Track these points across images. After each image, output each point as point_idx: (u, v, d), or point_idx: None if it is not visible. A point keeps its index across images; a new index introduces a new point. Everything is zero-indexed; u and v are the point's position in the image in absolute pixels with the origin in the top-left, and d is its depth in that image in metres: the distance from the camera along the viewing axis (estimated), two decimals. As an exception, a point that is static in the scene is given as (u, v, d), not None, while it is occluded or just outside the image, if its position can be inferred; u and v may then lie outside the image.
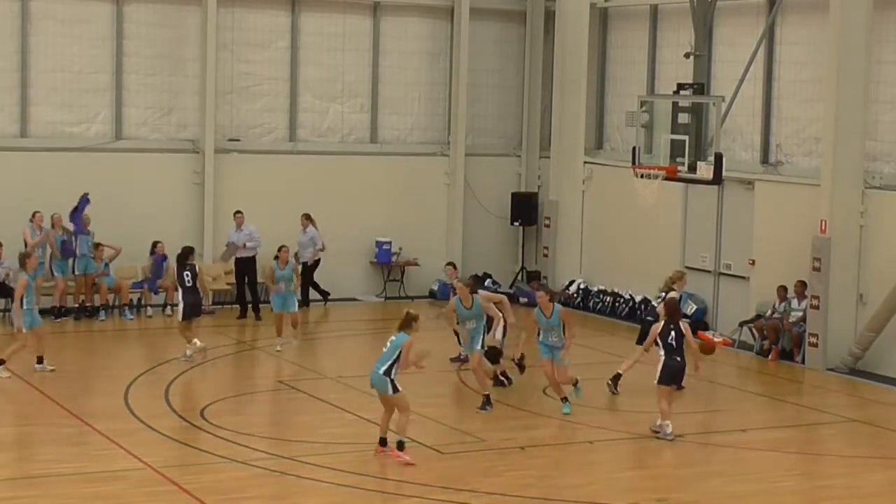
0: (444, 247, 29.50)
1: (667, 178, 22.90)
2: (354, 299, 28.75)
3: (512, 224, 30.12)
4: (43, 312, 24.84)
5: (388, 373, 16.10)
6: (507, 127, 30.57)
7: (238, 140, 27.95)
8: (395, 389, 16.14)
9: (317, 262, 27.34)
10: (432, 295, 29.41)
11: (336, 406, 19.20)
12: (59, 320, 25.20)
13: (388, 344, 16.25)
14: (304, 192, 27.99)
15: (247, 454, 16.31)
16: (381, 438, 16.49)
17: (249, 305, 26.40)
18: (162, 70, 27.20)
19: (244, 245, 26.44)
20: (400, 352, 16.10)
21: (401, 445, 16.22)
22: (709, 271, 26.12)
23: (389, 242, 28.78)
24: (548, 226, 29.68)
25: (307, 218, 27.17)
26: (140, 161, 26.93)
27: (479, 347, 19.35)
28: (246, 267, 26.47)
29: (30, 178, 25.80)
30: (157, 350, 23.29)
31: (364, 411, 18.65)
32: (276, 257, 23.24)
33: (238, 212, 26.70)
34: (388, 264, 28.95)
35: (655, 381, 17.90)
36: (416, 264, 29.22)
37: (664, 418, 17.69)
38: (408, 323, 16.29)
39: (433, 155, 29.68)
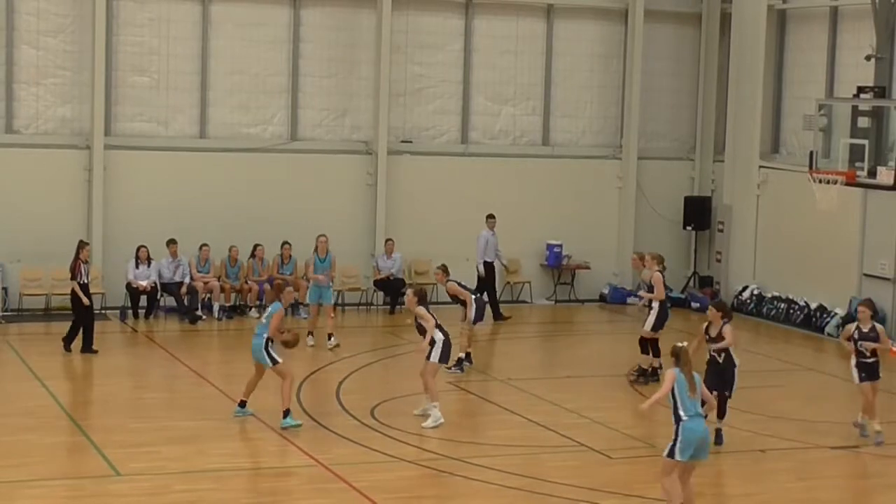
0: (615, 250, 29.32)
1: (845, 184, 22.41)
2: (525, 301, 28.73)
3: (684, 228, 29.79)
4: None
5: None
6: (681, 130, 30.24)
7: (410, 142, 28.16)
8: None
9: None
10: (602, 299, 29.23)
11: (505, 408, 19.20)
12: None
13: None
14: (475, 194, 28.07)
15: (416, 454, 16.40)
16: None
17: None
18: (337, 72, 27.55)
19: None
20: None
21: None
22: (888, 279, 25.47)
23: (560, 245, 28.69)
24: (721, 230, 29.29)
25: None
26: (314, 162, 27.31)
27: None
28: (491, 271, 26.88)
29: (207, 178, 26.41)
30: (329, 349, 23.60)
31: (533, 414, 18.63)
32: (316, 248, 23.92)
33: (492, 215, 26.88)
34: (558, 267, 28.87)
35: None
36: (587, 267, 29.07)
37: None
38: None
39: (605, 158, 29.50)
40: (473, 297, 21.73)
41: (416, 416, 18.21)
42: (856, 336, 17.76)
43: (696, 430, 13.52)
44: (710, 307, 17.91)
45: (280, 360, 17.77)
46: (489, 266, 26.85)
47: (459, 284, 21.92)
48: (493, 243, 26.91)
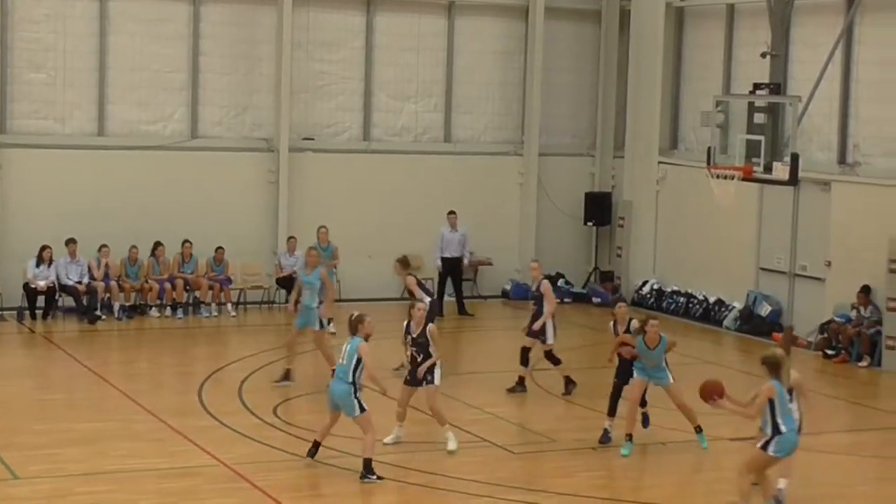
0: (517, 246, 29.48)
1: (742, 179, 22.71)
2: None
3: (585, 224, 30.02)
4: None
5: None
6: (581, 126, 30.47)
7: (312, 139, 28.07)
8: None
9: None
10: (505, 295, 29.37)
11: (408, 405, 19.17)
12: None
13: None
14: (377, 191, 28.09)
15: (320, 452, 16.34)
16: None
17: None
18: (237, 69, 27.39)
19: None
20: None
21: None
22: (784, 272, 25.88)
23: (462, 242, 28.77)
24: (622, 226, 29.56)
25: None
26: (215, 159, 27.13)
27: None
28: (454, 267, 27.60)
29: (106, 177, 26.13)
30: (231, 347, 23.45)
31: (436, 410, 18.65)
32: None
33: (452, 212, 27.50)
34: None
35: None
36: (489, 264, 29.19)
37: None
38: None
39: (506, 154, 29.64)
40: (429, 300, 20.09)
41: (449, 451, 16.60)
42: None
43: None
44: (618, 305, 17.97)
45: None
46: (451, 262, 27.40)
47: (420, 283, 21.17)
48: (454, 239, 27.45)
